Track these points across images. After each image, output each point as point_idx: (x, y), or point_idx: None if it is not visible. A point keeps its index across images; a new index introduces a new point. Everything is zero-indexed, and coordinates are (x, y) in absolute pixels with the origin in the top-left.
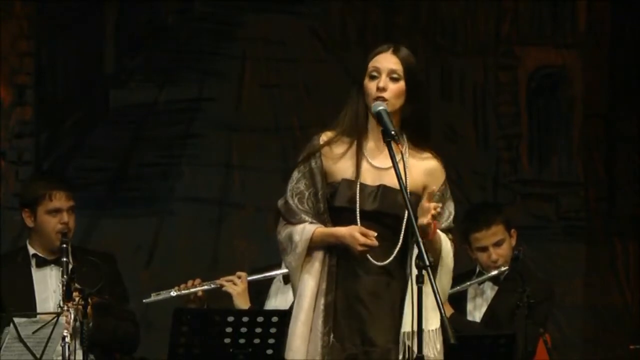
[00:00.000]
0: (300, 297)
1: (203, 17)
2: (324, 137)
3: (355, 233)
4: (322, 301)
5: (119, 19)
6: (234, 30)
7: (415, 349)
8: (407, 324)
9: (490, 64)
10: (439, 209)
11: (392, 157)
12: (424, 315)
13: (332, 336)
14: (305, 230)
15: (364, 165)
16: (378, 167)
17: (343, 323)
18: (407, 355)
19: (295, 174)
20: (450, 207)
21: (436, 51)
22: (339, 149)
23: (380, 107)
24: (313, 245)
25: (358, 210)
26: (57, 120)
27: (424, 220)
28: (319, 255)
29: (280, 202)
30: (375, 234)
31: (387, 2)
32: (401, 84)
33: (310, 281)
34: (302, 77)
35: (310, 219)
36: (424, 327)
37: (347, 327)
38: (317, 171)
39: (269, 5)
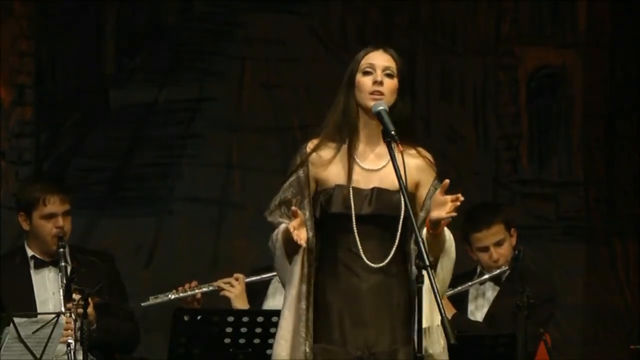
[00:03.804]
0: (285, 300)
1: (203, 17)
2: (310, 145)
3: (292, 222)
4: (303, 304)
5: (119, 19)
6: (234, 30)
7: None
8: (425, 321)
9: (490, 64)
10: (461, 199)
11: (393, 158)
12: (431, 311)
13: (311, 342)
14: (279, 230)
15: (355, 168)
16: (369, 169)
17: (346, 327)
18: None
19: (285, 184)
20: None
21: (436, 51)
22: (326, 154)
23: (381, 107)
24: (285, 246)
25: (354, 215)
26: (57, 120)
27: (442, 213)
28: (297, 259)
29: (265, 212)
30: (296, 213)
31: (387, 2)
32: (395, 81)
33: (291, 286)
34: (302, 77)
35: (286, 222)
36: (430, 323)
37: (350, 331)
38: (304, 179)
39: (269, 5)
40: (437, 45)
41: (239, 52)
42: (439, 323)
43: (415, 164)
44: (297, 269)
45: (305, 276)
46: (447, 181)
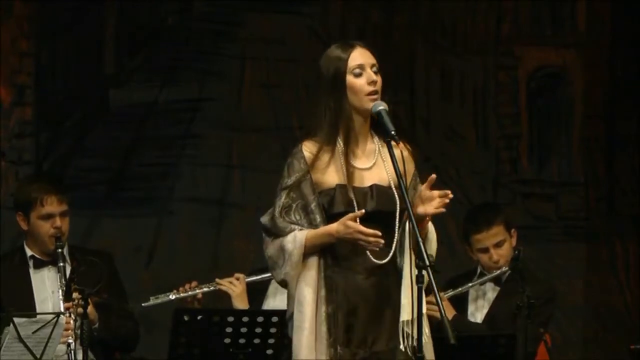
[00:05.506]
0: (302, 305)
1: (203, 17)
2: (307, 150)
3: (347, 222)
4: (323, 309)
5: (119, 19)
6: (234, 30)
7: (414, 335)
8: (405, 314)
9: (490, 64)
10: (450, 196)
11: (392, 156)
12: (413, 304)
13: (339, 347)
14: (297, 237)
15: (351, 168)
16: (362, 167)
17: (352, 326)
18: (406, 343)
19: (283, 190)
20: None
21: (436, 51)
22: (324, 157)
23: (381, 107)
24: (308, 251)
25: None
26: (57, 120)
27: (429, 209)
28: (313, 262)
29: (265, 219)
30: (363, 211)
31: (387, 2)
32: (380, 76)
33: (309, 288)
34: (302, 77)
35: (299, 228)
36: (414, 315)
37: (353, 331)
38: (306, 184)
39: (269, 5)
40: (437, 45)
41: (239, 52)
42: (423, 312)
43: (398, 155)
44: (313, 273)
45: (323, 279)
46: (433, 176)
